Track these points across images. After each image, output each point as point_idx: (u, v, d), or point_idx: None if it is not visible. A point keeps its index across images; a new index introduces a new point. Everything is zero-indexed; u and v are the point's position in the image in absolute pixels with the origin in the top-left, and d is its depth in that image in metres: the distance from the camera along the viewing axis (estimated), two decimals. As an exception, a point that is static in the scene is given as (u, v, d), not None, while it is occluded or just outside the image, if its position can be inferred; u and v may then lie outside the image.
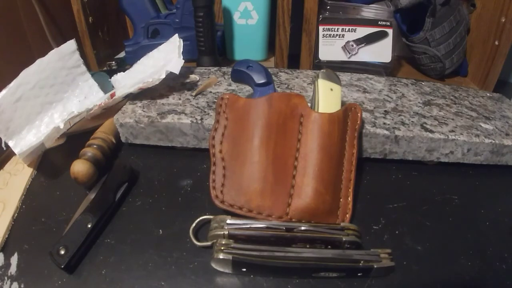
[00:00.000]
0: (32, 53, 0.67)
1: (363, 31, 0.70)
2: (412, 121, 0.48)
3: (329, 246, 0.35)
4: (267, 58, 0.81)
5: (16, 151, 0.46)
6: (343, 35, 0.71)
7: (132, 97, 0.51)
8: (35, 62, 0.51)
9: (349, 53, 0.72)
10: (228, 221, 0.35)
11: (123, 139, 0.49)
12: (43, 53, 0.52)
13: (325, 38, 0.71)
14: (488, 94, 0.61)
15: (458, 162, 0.48)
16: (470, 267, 0.36)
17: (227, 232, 0.34)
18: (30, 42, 0.67)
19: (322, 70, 0.45)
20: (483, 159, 0.48)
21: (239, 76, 0.49)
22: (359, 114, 0.43)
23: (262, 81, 0.47)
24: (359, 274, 0.34)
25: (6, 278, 0.34)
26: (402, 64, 0.83)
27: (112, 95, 0.50)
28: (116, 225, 0.39)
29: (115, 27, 0.85)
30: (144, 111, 0.48)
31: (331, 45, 0.71)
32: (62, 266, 0.33)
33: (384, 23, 0.69)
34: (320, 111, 0.42)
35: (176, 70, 0.49)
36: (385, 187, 0.45)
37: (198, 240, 0.36)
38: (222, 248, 0.33)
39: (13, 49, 0.64)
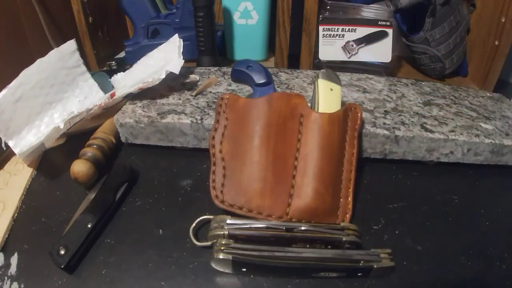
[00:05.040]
0: (32, 53, 0.67)
1: (363, 31, 0.70)
2: (412, 121, 0.48)
3: (329, 246, 0.35)
4: (267, 58, 0.81)
5: (16, 151, 0.46)
6: (343, 35, 0.71)
7: (132, 97, 0.51)
8: (35, 62, 0.51)
9: (349, 53, 0.72)
10: (228, 221, 0.35)
11: (123, 139, 0.49)
12: (43, 53, 0.52)
13: (325, 38, 0.71)
14: (488, 94, 0.61)
15: (458, 162, 0.48)
16: (470, 267, 0.36)
17: (227, 232, 0.34)
18: (30, 42, 0.67)
19: (322, 70, 0.45)
20: (483, 159, 0.48)
21: (239, 76, 0.49)
22: (359, 114, 0.43)
23: (262, 81, 0.47)
24: (359, 274, 0.34)
25: (6, 278, 0.34)
26: (402, 64, 0.83)
27: (112, 95, 0.50)
28: (116, 225, 0.39)
29: (115, 27, 0.85)
30: (144, 111, 0.48)
31: (331, 45, 0.71)
32: (62, 266, 0.33)
33: (384, 23, 0.69)
34: (320, 111, 0.42)
35: (176, 70, 0.49)
36: (385, 187, 0.45)
37: (198, 240, 0.36)
38: (222, 248, 0.33)
39: (13, 49, 0.64)
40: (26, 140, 0.49)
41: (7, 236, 0.38)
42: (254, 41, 0.77)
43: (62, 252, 0.34)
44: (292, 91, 0.54)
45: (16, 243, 0.37)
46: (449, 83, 0.74)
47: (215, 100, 0.51)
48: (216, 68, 0.62)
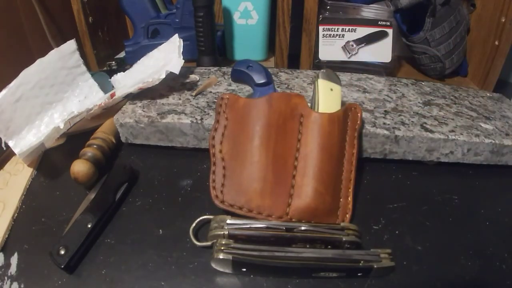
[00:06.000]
0: (32, 53, 0.67)
1: (363, 31, 0.70)
2: (412, 121, 0.48)
3: (329, 246, 0.35)
4: (267, 58, 0.81)
5: (16, 151, 0.46)
6: (343, 35, 0.71)
7: (132, 97, 0.51)
8: (35, 62, 0.51)
9: (349, 53, 0.72)
10: (228, 221, 0.35)
11: (123, 139, 0.49)
12: (43, 53, 0.52)
13: (325, 38, 0.71)
14: (488, 94, 0.61)
15: (458, 162, 0.48)
16: (470, 267, 0.36)
17: (227, 232, 0.34)
18: (30, 42, 0.67)
19: (322, 70, 0.45)
20: (483, 159, 0.48)
21: (239, 76, 0.49)
22: (359, 114, 0.43)
23: (262, 81, 0.47)
24: (359, 274, 0.34)
25: (6, 278, 0.34)
26: (402, 64, 0.83)
27: (112, 95, 0.50)
28: (116, 225, 0.39)
29: (115, 27, 0.85)
30: (144, 111, 0.48)
31: (331, 45, 0.71)
32: (62, 266, 0.33)
33: (384, 23, 0.69)
34: (320, 111, 0.42)
35: (176, 70, 0.49)
36: (385, 187, 0.45)
37: (198, 240, 0.36)
38: (222, 248, 0.33)
39: (13, 49, 0.64)
40: (26, 140, 0.49)
41: (7, 236, 0.38)
42: (254, 41, 0.77)
43: (62, 252, 0.34)
44: (292, 91, 0.54)
45: (16, 243, 0.37)
46: (449, 83, 0.74)
47: (215, 100, 0.51)
48: (216, 68, 0.62)
